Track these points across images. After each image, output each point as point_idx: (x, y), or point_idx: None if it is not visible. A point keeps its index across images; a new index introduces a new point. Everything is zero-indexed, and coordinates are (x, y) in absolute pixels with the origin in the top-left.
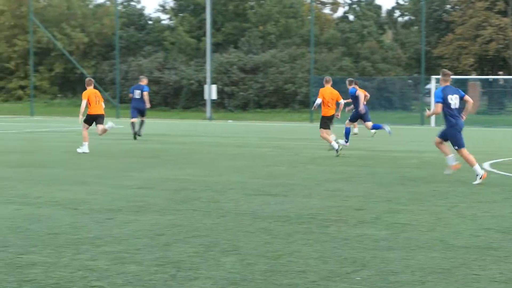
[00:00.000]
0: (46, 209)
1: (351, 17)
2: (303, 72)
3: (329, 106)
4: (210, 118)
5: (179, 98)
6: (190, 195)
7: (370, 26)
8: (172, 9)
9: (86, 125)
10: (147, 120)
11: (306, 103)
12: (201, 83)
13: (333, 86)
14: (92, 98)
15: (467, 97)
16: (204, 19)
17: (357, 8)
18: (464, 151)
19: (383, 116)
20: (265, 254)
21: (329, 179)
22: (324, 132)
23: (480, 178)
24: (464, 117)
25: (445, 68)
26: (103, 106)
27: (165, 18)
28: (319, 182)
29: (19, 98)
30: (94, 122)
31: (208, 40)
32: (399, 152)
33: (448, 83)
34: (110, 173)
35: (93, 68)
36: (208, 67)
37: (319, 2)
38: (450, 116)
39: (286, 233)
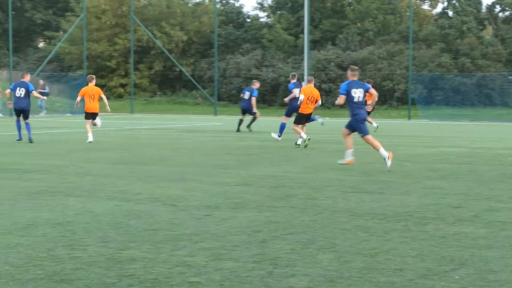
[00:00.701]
0: (145, 205)
1: (450, 13)
2: (401, 68)
3: (307, 104)
4: None
5: (276, 95)
6: (287, 192)
7: (470, 22)
8: (270, 6)
9: (87, 120)
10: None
11: (404, 100)
12: (298, 80)
13: (431, 83)
14: (87, 95)
15: (372, 90)
16: (302, 16)
17: (457, 4)
18: (369, 137)
19: (482, 112)
20: (361, 251)
21: (427, 176)
22: (298, 127)
23: (388, 158)
24: (370, 108)
25: None
26: (100, 103)
27: (263, 16)
28: (416, 179)
29: (120, 96)
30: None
31: (305, 37)
32: (500, 149)
33: (355, 78)
34: (208, 170)
35: (192, 66)
36: (305, 64)
37: None
38: (353, 107)
39: (383, 230)
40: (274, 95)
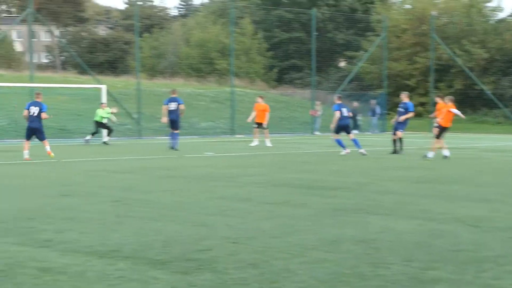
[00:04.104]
0: (448, 225)
1: None
2: None
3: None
4: None
5: None
6: None
7: None
8: None
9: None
10: None
11: None
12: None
13: None
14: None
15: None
16: None
17: None
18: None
19: None
20: None
21: None
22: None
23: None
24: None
25: None
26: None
27: None
28: None
29: (419, 115)
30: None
31: None
32: None
33: (38, 99)
34: None
35: (493, 84)
36: None
37: None
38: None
39: None
40: None
